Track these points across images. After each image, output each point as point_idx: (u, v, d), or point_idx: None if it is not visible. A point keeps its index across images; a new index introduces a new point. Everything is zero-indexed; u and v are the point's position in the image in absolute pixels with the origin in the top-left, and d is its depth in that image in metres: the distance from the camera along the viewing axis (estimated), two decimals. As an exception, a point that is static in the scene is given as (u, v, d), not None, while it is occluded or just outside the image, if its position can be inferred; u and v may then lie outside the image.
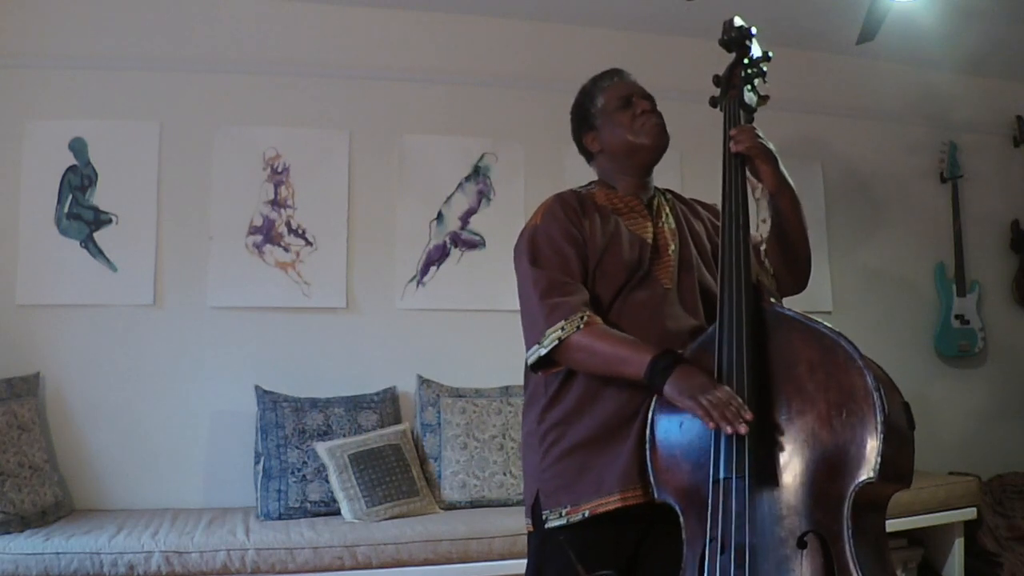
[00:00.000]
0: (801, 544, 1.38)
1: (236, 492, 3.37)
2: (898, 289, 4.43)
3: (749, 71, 1.78)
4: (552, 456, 1.66)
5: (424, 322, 3.71)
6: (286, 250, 3.63)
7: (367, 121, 3.79)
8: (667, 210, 1.81)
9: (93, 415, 3.36)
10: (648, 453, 1.56)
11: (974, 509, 3.63)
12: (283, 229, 3.64)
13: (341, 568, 2.76)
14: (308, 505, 3.17)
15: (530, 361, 1.66)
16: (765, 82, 1.81)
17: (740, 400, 1.44)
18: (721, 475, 1.44)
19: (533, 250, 1.70)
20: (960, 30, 3.91)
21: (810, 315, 1.53)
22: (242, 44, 3.69)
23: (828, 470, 1.40)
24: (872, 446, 1.37)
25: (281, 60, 3.71)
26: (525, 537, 1.76)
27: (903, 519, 3.43)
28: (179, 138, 3.58)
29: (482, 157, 3.85)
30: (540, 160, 3.83)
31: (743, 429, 1.40)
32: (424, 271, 3.77)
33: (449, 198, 3.83)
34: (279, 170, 3.67)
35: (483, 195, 3.86)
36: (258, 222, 3.63)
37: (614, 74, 1.85)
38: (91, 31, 3.54)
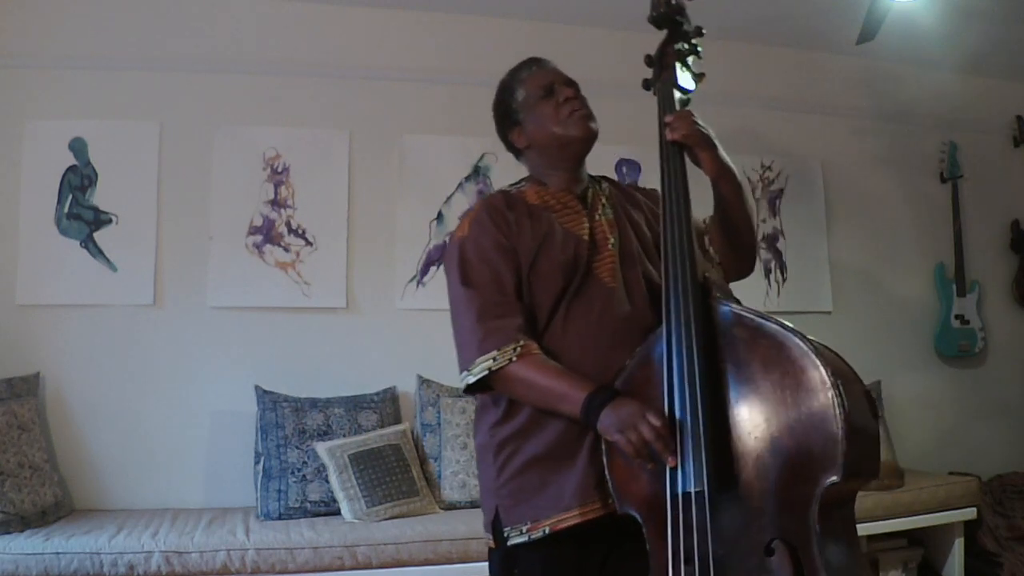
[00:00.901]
0: (769, 552, 1.34)
1: (236, 492, 3.37)
2: (898, 289, 4.43)
3: (682, 48, 1.70)
4: (508, 472, 1.59)
5: (424, 322, 3.71)
6: (286, 250, 3.63)
7: (367, 121, 3.79)
8: (603, 201, 1.72)
9: (93, 415, 3.36)
10: (606, 464, 1.50)
11: (974, 509, 3.63)
12: (283, 229, 3.64)
13: (341, 568, 2.76)
14: (308, 505, 3.17)
15: (461, 387, 1.60)
16: (700, 59, 1.73)
17: (667, 430, 1.39)
18: (680, 489, 1.39)
19: (463, 267, 1.61)
20: (960, 30, 3.91)
21: (759, 311, 1.46)
22: (242, 44, 3.69)
23: (791, 475, 1.34)
24: (835, 446, 1.30)
25: (281, 60, 3.71)
26: (488, 552, 1.69)
27: (903, 519, 3.43)
28: (179, 138, 3.58)
29: (482, 157, 3.86)
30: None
31: (671, 463, 1.38)
32: (424, 271, 3.77)
33: (449, 198, 3.83)
34: (279, 170, 3.67)
35: (483, 195, 3.85)
36: (258, 222, 3.62)
37: (532, 63, 1.76)
38: (91, 31, 3.54)
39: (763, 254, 4.24)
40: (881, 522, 3.36)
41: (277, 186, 3.66)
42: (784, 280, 4.25)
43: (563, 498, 1.54)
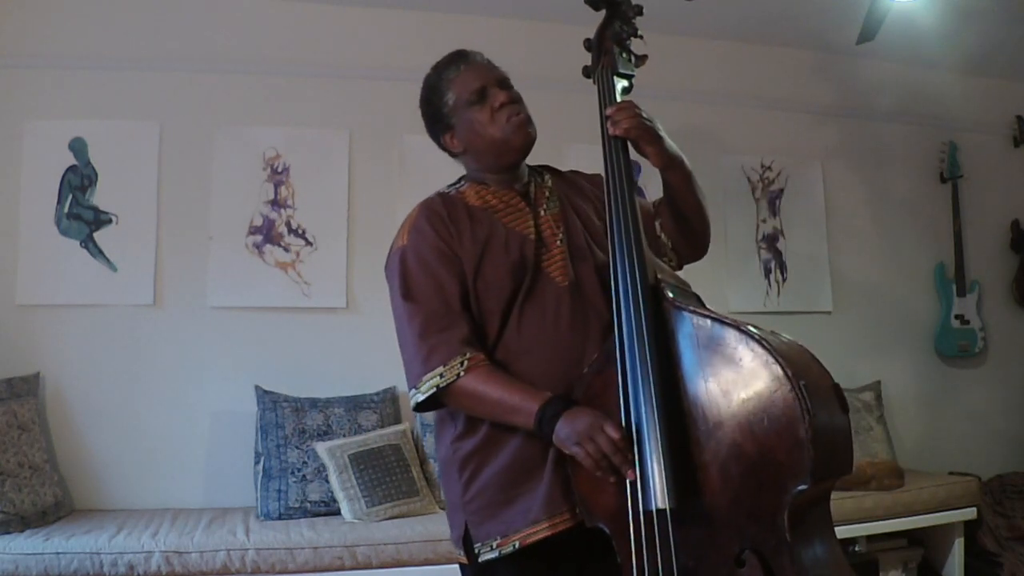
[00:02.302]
0: (739, 563, 1.29)
1: (236, 492, 3.37)
2: (898, 289, 4.43)
3: (620, 29, 1.62)
4: (475, 488, 1.53)
5: (424, 322, 3.70)
6: (286, 250, 3.63)
7: (367, 121, 3.79)
8: (547, 194, 1.65)
9: (93, 415, 3.36)
10: (572, 476, 1.45)
11: (974, 509, 3.63)
12: (283, 229, 3.64)
13: (341, 568, 2.76)
14: (308, 505, 3.17)
15: (412, 406, 1.54)
16: (642, 39, 1.64)
17: (625, 443, 1.34)
18: (641, 507, 1.34)
19: (405, 278, 1.55)
20: (960, 30, 3.91)
21: (714, 312, 1.41)
22: (242, 44, 3.68)
23: (757, 483, 1.28)
24: (802, 451, 1.23)
25: (281, 60, 3.71)
26: (459, 568, 1.65)
27: (903, 519, 3.43)
28: (179, 138, 3.58)
29: (482, 157, 3.85)
30: (539, 159, 3.78)
31: (631, 476, 1.33)
32: (424, 271, 3.76)
33: (449, 198, 3.82)
34: (279, 170, 3.67)
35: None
36: (258, 222, 3.62)
37: (459, 60, 1.64)
38: (91, 31, 3.54)
39: (763, 254, 4.24)
40: (881, 522, 3.36)
41: (277, 186, 3.66)
42: (784, 280, 4.25)
43: (531, 511, 1.48)
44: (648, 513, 1.34)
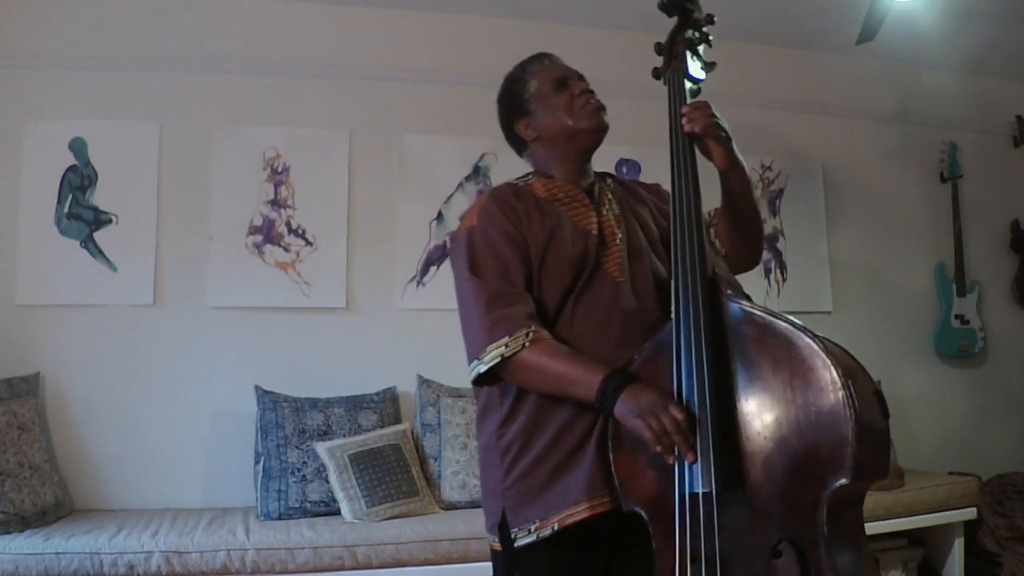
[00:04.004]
0: (776, 554, 1.32)
1: (236, 492, 3.37)
2: (898, 289, 4.43)
3: (692, 35, 1.68)
4: (516, 473, 1.57)
5: (424, 322, 3.71)
6: (286, 250, 3.63)
7: (367, 121, 3.79)
8: (609, 196, 1.72)
9: (93, 415, 3.36)
10: (612, 460, 1.49)
11: (974, 509, 3.63)
12: (283, 229, 3.64)
13: (341, 568, 2.76)
14: (308, 505, 3.17)
15: (470, 378, 1.57)
16: (711, 47, 1.70)
17: (688, 424, 1.37)
18: (687, 490, 1.38)
19: (472, 255, 1.58)
20: (960, 30, 3.91)
21: (769, 309, 1.46)
22: (242, 44, 3.68)
23: (800, 476, 1.33)
24: (845, 448, 1.28)
25: (281, 60, 3.71)
26: (491, 555, 1.68)
27: (903, 519, 3.43)
28: (179, 138, 3.58)
29: (482, 157, 3.86)
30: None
31: (690, 458, 1.36)
32: (424, 271, 3.77)
33: (449, 198, 3.83)
34: (279, 170, 3.67)
35: (483, 193, 3.85)
36: (258, 222, 3.62)
37: (544, 57, 1.77)
38: (91, 31, 3.54)
39: (763, 254, 4.23)
40: (881, 522, 3.36)
41: (277, 186, 3.66)
42: (784, 280, 4.26)
43: (571, 493, 1.52)
44: (691, 496, 1.37)
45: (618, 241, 1.64)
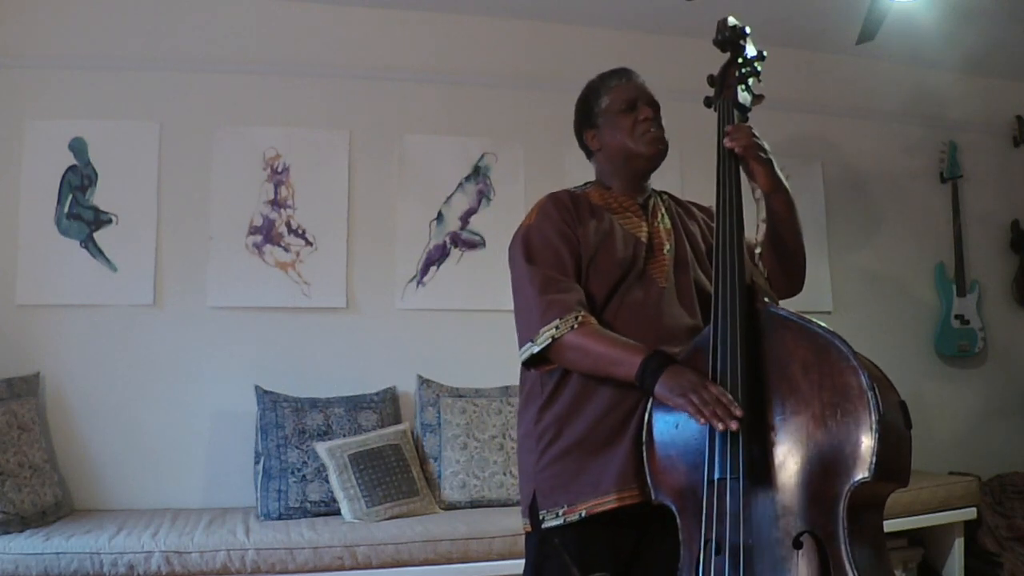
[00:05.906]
0: (797, 544, 1.38)
1: (236, 492, 3.37)
2: (898, 289, 4.43)
3: (743, 71, 1.78)
4: (549, 456, 1.65)
5: (424, 322, 3.71)
6: (286, 250, 3.63)
7: (367, 121, 3.79)
8: (663, 211, 1.81)
9: (93, 415, 3.36)
10: (645, 454, 1.56)
11: (974, 509, 3.63)
12: (283, 229, 3.64)
13: (341, 568, 2.76)
14: (308, 505, 3.17)
15: (523, 358, 1.66)
16: (760, 81, 1.80)
17: (730, 397, 1.44)
18: (716, 475, 1.44)
19: (528, 247, 1.70)
20: (960, 30, 3.91)
21: (806, 315, 1.52)
22: (242, 44, 3.69)
23: (823, 470, 1.40)
24: (867, 446, 1.37)
25: (281, 60, 3.71)
26: (524, 537, 1.75)
27: (903, 519, 3.43)
28: (179, 138, 3.58)
29: (482, 157, 3.85)
30: (540, 160, 3.83)
31: (734, 425, 1.41)
32: (424, 271, 3.77)
33: (449, 198, 3.83)
34: (279, 170, 3.67)
35: (483, 195, 3.86)
36: (258, 222, 3.63)
37: (623, 75, 1.84)
38: (91, 31, 3.54)
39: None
40: (881, 522, 3.37)
41: (277, 186, 3.66)
42: (784, 280, 4.25)
43: (601, 483, 1.59)
44: (719, 483, 1.44)
45: (665, 251, 1.74)
